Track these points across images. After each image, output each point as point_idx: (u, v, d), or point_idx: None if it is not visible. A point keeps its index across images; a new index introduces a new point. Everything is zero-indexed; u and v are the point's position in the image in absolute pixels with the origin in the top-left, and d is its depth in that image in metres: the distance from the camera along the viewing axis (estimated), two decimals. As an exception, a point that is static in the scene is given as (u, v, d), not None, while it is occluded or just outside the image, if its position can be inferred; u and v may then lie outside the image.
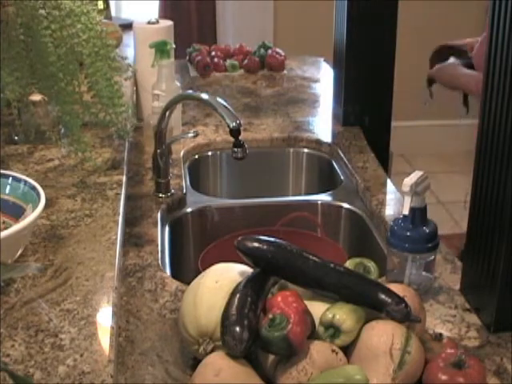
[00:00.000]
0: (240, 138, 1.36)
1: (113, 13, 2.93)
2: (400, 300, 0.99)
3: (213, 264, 1.10)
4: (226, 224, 1.62)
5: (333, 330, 0.98)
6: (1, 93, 1.34)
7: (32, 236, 1.16)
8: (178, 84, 1.80)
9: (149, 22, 1.95)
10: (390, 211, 1.50)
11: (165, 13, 3.68)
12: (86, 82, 1.37)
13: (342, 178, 1.76)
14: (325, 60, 2.57)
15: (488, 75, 1.06)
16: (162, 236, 1.46)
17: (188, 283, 1.10)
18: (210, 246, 1.48)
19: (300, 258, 1.04)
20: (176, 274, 1.34)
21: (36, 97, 1.50)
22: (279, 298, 0.98)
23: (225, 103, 1.38)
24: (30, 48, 1.32)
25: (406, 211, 1.13)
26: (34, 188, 1.11)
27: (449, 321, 1.14)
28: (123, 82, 1.42)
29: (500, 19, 1.01)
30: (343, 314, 0.98)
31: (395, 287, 1.03)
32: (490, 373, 1.01)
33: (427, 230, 1.16)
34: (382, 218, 1.49)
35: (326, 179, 1.88)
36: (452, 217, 3.39)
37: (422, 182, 1.14)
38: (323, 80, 2.43)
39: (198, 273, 1.12)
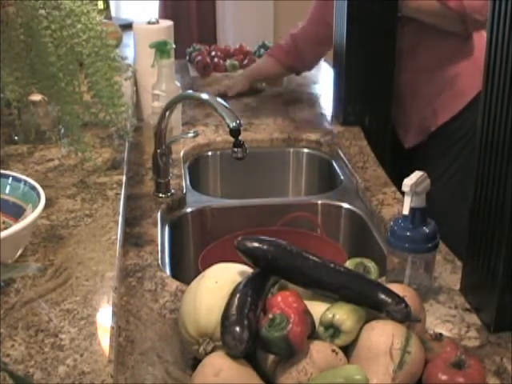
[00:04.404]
0: (240, 137, 1.36)
1: (113, 13, 2.94)
2: (400, 300, 0.99)
3: (213, 264, 1.09)
4: (226, 224, 1.62)
5: (333, 330, 0.98)
6: (1, 93, 1.34)
7: (32, 236, 1.16)
8: (178, 84, 1.80)
9: (149, 22, 1.95)
10: (389, 211, 1.50)
11: (165, 13, 3.68)
12: (86, 82, 1.37)
13: (342, 178, 1.76)
14: (325, 60, 2.57)
15: (488, 75, 1.06)
16: (162, 236, 1.46)
17: (188, 283, 1.10)
18: (210, 246, 1.47)
19: (300, 257, 1.04)
20: (176, 274, 1.34)
21: (36, 97, 1.50)
22: (279, 298, 0.98)
23: (225, 103, 1.38)
24: (30, 48, 1.31)
25: (406, 211, 1.13)
26: (34, 188, 1.11)
27: (449, 321, 1.14)
28: (123, 82, 1.42)
29: (500, 19, 1.01)
30: (343, 314, 0.98)
31: (395, 287, 1.04)
32: (490, 373, 1.01)
33: (427, 230, 1.16)
34: (382, 218, 1.49)
35: (326, 179, 1.88)
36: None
37: (421, 182, 1.14)
38: (323, 80, 2.43)
39: (198, 273, 1.12)
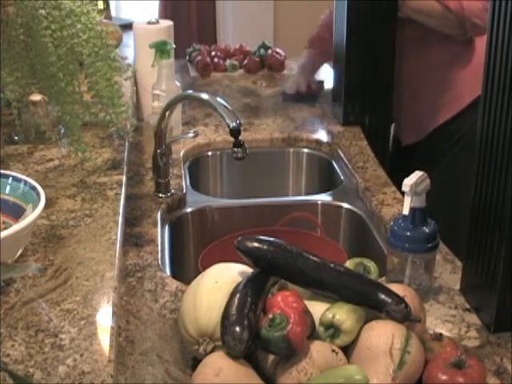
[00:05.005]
0: (240, 137, 1.36)
1: (113, 13, 2.93)
2: (400, 300, 0.99)
3: (213, 264, 1.10)
4: (226, 224, 1.62)
5: (333, 330, 0.98)
6: (1, 93, 1.34)
7: (32, 236, 1.16)
8: (178, 84, 1.80)
9: (149, 22, 1.95)
10: (389, 211, 1.50)
11: (165, 13, 3.68)
12: (86, 82, 1.37)
13: (342, 178, 1.76)
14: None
15: (488, 75, 1.06)
16: (162, 236, 1.46)
17: (188, 283, 1.10)
18: (210, 246, 1.48)
19: (300, 257, 1.04)
20: (176, 273, 1.34)
21: (36, 97, 1.50)
22: (279, 298, 0.98)
23: (225, 103, 1.38)
24: (30, 48, 1.31)
25: (406, 211, 1.14)
26: (34, 188, 1.11)
27: (449, 321, 1.14)
28: (123, 82, 1.42)
29: (500, 19, 1.01)
30: (343, 314, 0.98)
31: (395, 287, 1.04)
32: (490, 373, 1.01)
33: (427, 230, 1.16)
34: (381, 218, 1.49)
35: (326, 179, 1.88)
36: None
37: (421, 183, 1.14)
38: (323, 80, 2.43)
39: (198, 273, 1.12)
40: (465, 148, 1.93)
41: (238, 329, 0.93)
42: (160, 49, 1.80)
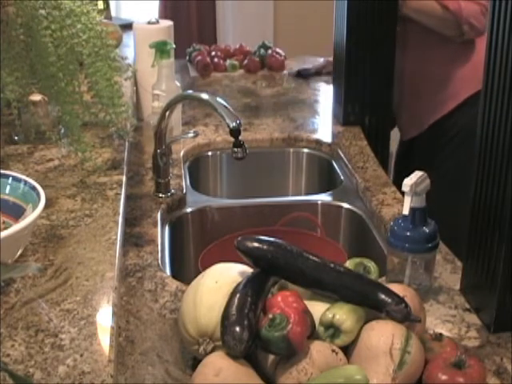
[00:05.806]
0: (240, 137, 1.36)
1: (113, 13, 2.93)
2: (400, 300, 0.99)
3: (213, 264, 1.10)
4: (226, 224, 1.62)
5: (333, 330, 0.98)
6: (1, 93, 1.34)
7: (32, 236, 1.16)
8: (178, 84, 1.80)
9: (149, 22, 1.96)
10: (389, 211, 1.50)
11: (165, 13, 3.68)
12: (86, 82, 1.37)
13: (342, 178, 1.76)
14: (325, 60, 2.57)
15: (488, 75, 1.06)
16: (162, 236, 1.46)
17: (188, 283, 1.10)
18: (210, 246, 1.48)
19: (300, 257, 1.04)
20: (176, 273, 1.34)
21: (36, 97, 1.50)
22: (279, 298, 0.98)
23: (225, 103, 1.38)
24: (30, 48, 1.31)
25: (406, 211, 1.14)
26: (34, 188, 1.11)
27: (449, 321, 1.14)
28: (123, 82, 1.42)
29: (500, 19, 1.01)
30: (343, 314, 0.98)
31: (395, 287, 1.04)
32: (490, 373, 1.01)
33: (427, 230, 1.16)
34: (381, 218, 1.49)
35: (325, 179, 1.88)
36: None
37: (421, 183, 1.14)
38: (323, 80, 2.43)
39: (198, 273, 1.12)
40: (462, 144, 1.96)
41: (238, 329, 0.93)
42: (160, 49, 1.80)
